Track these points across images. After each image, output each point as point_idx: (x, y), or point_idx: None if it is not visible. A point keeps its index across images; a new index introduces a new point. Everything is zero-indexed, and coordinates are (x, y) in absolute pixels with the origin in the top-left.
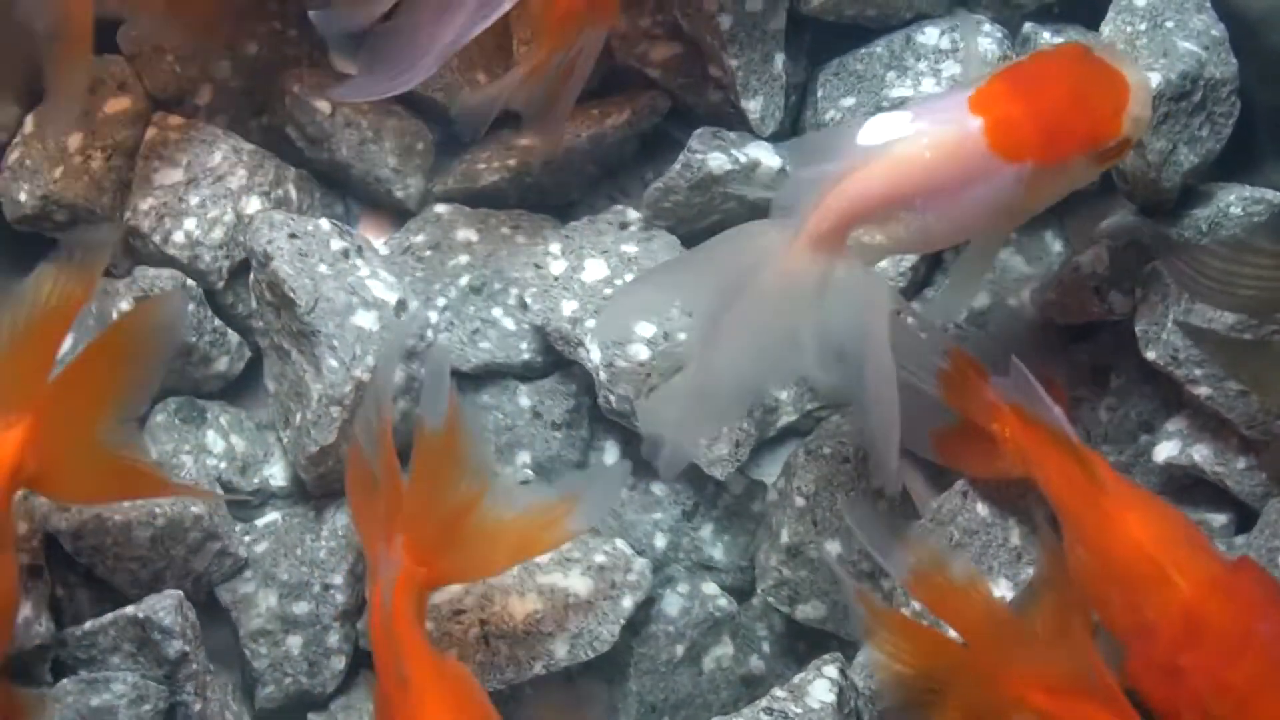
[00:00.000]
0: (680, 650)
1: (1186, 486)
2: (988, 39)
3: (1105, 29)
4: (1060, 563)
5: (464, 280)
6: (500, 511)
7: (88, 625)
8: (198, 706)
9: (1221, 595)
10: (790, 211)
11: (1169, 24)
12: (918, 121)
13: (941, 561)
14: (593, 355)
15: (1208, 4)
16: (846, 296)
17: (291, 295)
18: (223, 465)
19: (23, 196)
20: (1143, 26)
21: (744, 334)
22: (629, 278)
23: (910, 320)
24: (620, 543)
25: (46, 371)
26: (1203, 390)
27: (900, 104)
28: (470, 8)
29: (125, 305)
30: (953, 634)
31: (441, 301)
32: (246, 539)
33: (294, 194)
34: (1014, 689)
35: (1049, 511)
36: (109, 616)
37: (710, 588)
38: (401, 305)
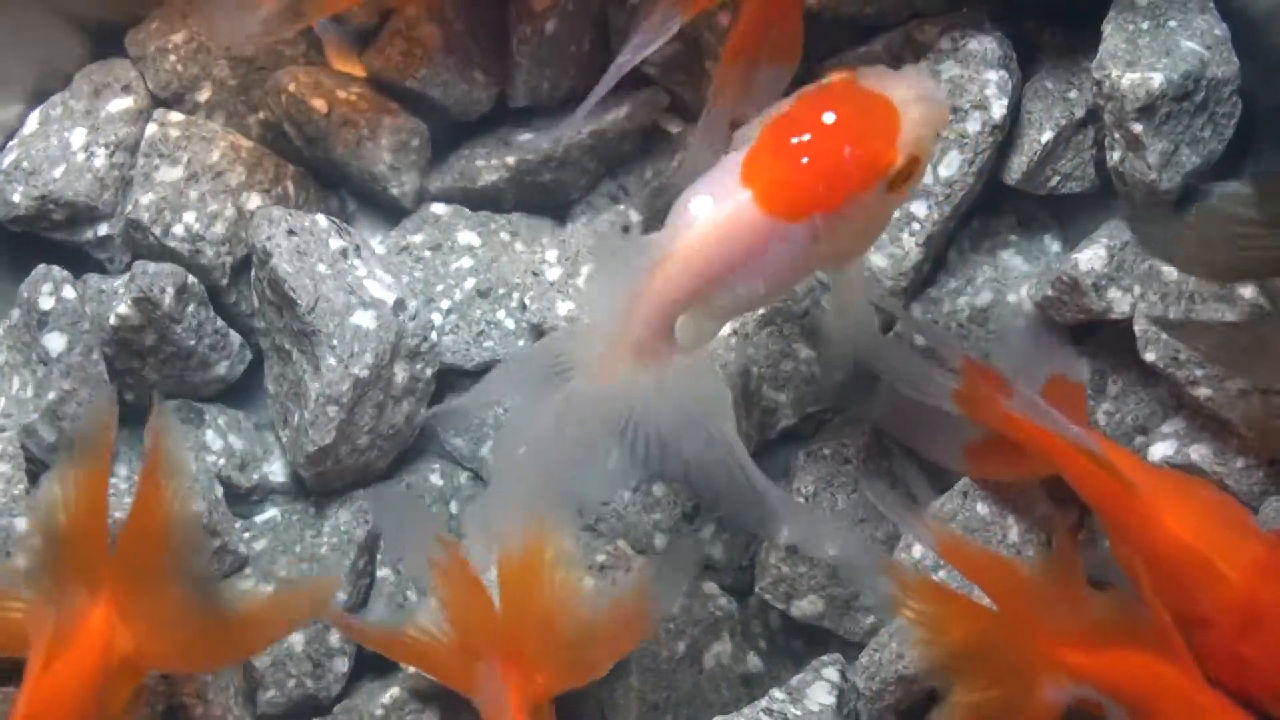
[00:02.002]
0: (681, 648)
1: None
2: (989, 39)
3: (1107, 28)
4: (1070, 542)
5: (470, 284)
6: (587, 611)
7: None
8: (199, 710)
9: (1271, 578)
10: (602, 318)
11: (1171, 23)
12: (701, 202)
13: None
14: None
15: (1210, 3)
16: (684, 393)
17: (292, 295)
18: (222, 462)
19: (17, 198)
20: (1145, 25)
21: (571, 445)
22: None
23: (918, 339)
24: (621, 543)
25: (103, 547)
26: (1203, 391)
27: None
28: (644, 28)
29: (123, 308)
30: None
31: (445, 304)
32: (246, 535)
33: (292, 191)
34: (1048, 649)
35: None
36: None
37: (710, 587)
38: (400, 305)
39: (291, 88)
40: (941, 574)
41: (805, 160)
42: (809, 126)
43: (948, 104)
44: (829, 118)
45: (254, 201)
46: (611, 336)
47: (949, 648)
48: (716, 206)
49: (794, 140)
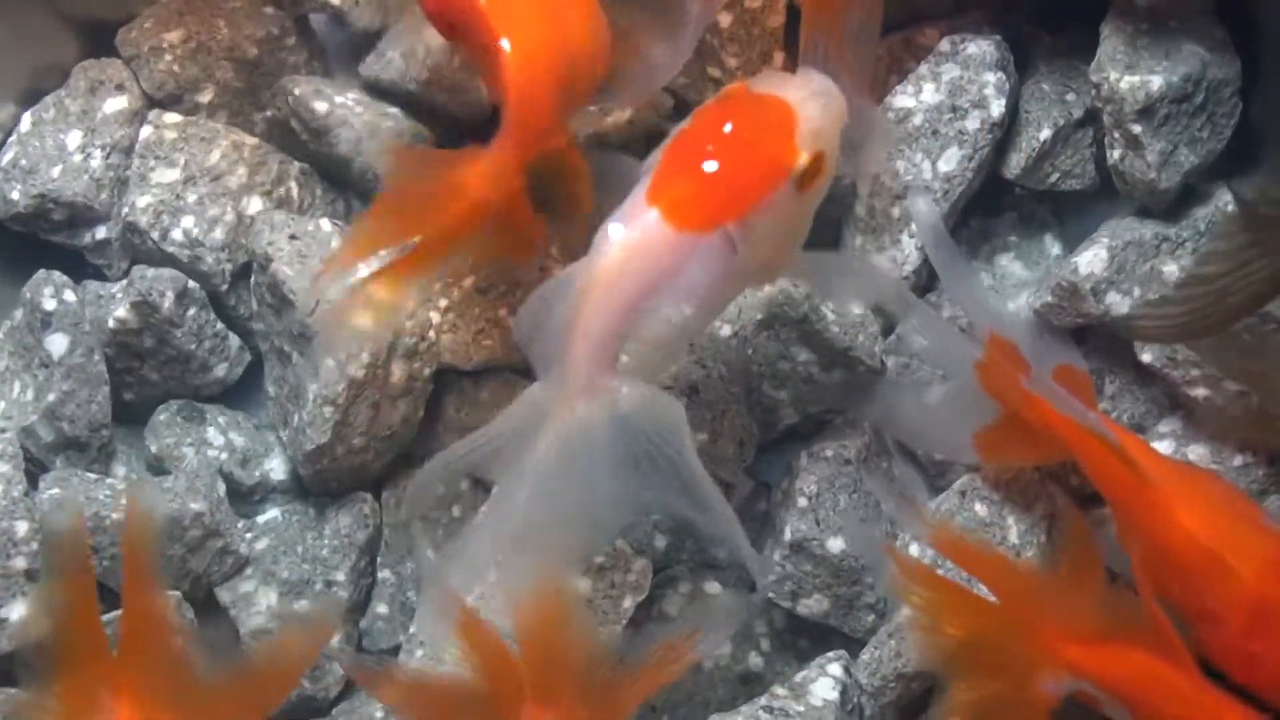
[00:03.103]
0: None
1: None
2: (987, 42)
3: (1104, 30)
4: (1082, 531)
5: (468, 281)
6: (619, 658)
7: None
8: None
9: None
10: (548, 368)
11: (1172, 23)
12: (614, 228)
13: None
14: None
15: (1211, 3)
16: (638, 422)
17: (291, 297)
18: (224, 457)
19: (16, 195)
20: (1144, 26)
21: (548, 504)
22: None
23: (943, 312)
24: (621, 543)
25: (105, 648)
26: (1200, 391)
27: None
28: None
29: (121, 311)
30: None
31: (444, 302)
32: (248, 536)
33: (295, 192)
34: (1048, 643)
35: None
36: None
37: (713, 586)
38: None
39: (298, 91)
40: (939, 573)
41: (706, 170)
42: (708, 137)
43: (842, 99)
44: (726, 127)
45: (255, 206)
46: (555, 381)
47: (950, 637)
48: (627, 231)
49: (694, 153)
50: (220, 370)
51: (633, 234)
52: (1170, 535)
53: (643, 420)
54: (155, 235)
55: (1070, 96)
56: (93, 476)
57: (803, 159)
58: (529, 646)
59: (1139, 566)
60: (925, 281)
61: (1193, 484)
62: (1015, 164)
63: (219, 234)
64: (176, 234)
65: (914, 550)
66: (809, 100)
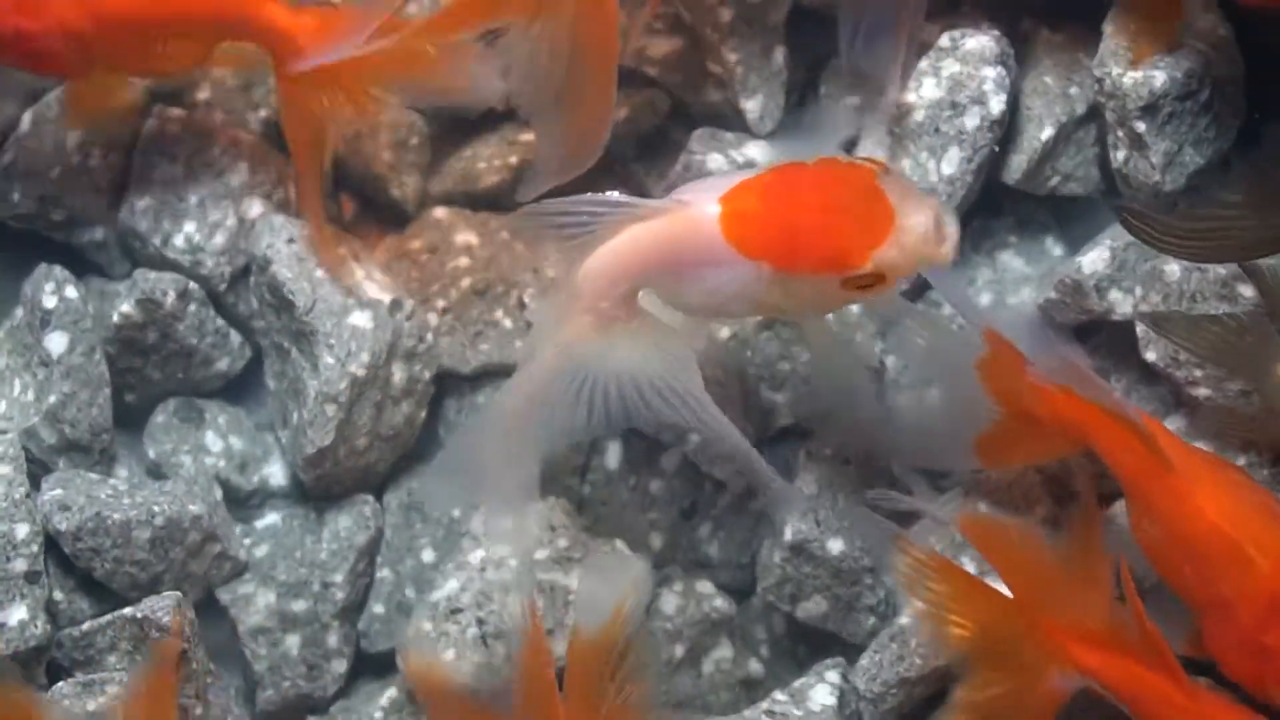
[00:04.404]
0: (680, 651)
1: None
2: (987, 37)
3: (1107, 27)
4: (1095, 528)
5: (466, 283)
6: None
7: (85, 626)
8: (198, 711)
9: None
10: (568, 283)
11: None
12: (683, 194)
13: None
14: None
15: (1214, 1)
16: (645, 350)
17: (290, 297)
18: (221, 464)
19: (16, 196)
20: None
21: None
22: None
23: (939, 311)
24: (619, 543)
25: None
26: (1202, 391)
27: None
28: None
29: (126, 306)
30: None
31: (441, 303)
32: (246, 541)
33: (294, 195)
34: (1056, 640)
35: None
36: (107, 617)
37: (705, 586)
38: (396, 305)
39: None
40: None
41: (780, 213)
42: (810, 188)
43: (948, 250)
44: (831, 194)
45: (255, 209)
46: (572, 297)
47: (961, 631)
48: (688, 207)
49: (786, 191)
50: (223, 364)
51: (687, 214)
52: (1190, 521)
53: (650, 350)
54: (156, 241)
55: (1073, 90)
56: (95, 477)
57: (866, 270)
58: (573, 689)
59: (1148, 554)
60: (924, 281)
61: (1215, 472)
62: (1016, 167)
63: (220, 239)
64: (179, 240)
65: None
66: (912, 230)
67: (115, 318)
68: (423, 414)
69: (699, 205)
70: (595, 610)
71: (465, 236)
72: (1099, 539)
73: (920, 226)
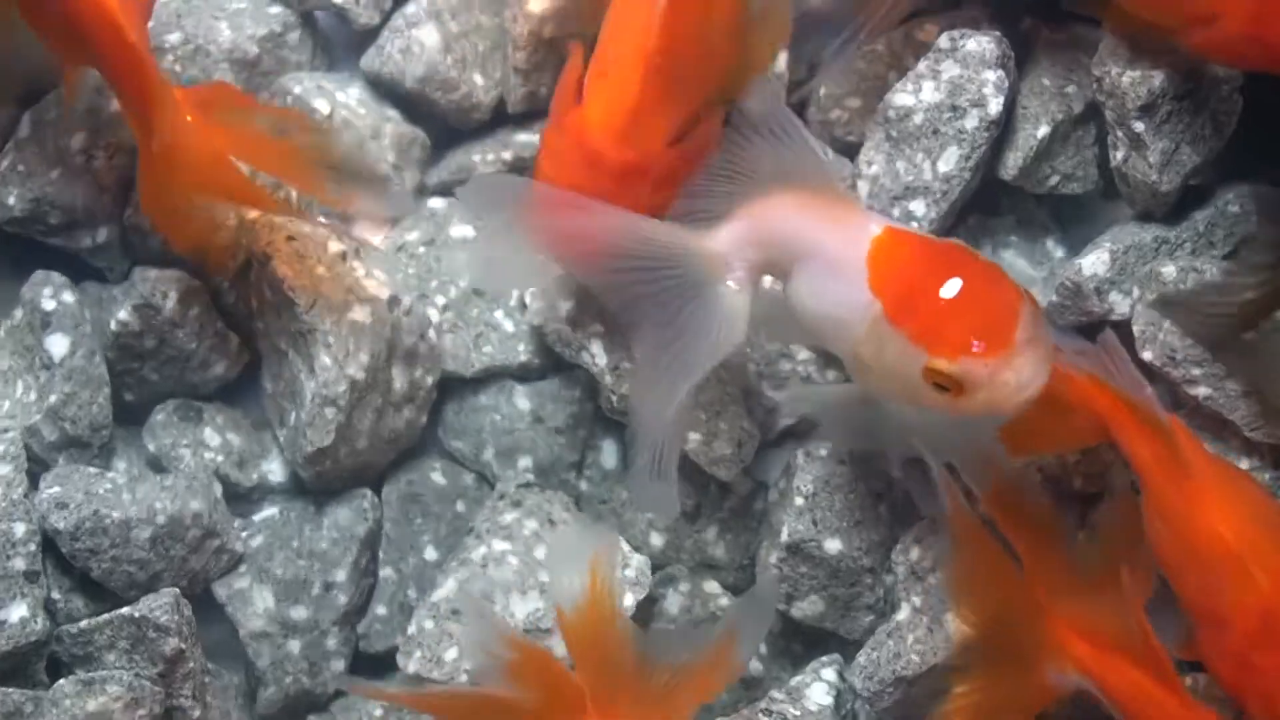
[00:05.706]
0: None
1: None
2: (987, 39)
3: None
4: (1131, 518)
5: (464, 281)
6: (669, 662)
7: (84, 623)
8: (196, 713)
9: None
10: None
11: None
12: (863, 220)
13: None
14: (598, 359)
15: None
16: (714, 303)
17: (291, 295)
18: (220, 459)
19: (12, 200)
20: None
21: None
22: None
23: None
24: (620, 541)
25: None
26: (1201, 390)
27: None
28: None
29: (123, 314)
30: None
31: (441, 300)
32: (244, 535)
33: (295, 196)
34: (1059, 632)
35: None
36: (104, 617)
37: (712, 586)
38: (394, 301)
39: (297, 90)
40: (932, 579)
41: (918, 271)
42: (961, 270)
43: (1016, 407)
44: (975, 290)
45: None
46: (724, 241)
47: (972, 597)
48: (860, 216)
49: (942, 260)
50: (220, 368)
51: (857, 219)
52: (1197, 529)
53: (721, 300)
54: (160, 237)
55: (1071, 89)
56: (93, 471)
57: (940, 369)
58: (583, 659)
59: (1155, 550)
60: None
61: (1231, 483)
62: (1012, 164)
63: (222, 236)
64: None
65: (914, 554)
66: (1010, 374)
67: (113, 325)
68: (424, 419)
69: (867, 221)
70: (569, 589)
71: (461, 230)
72: (1125, 539)
73: (1013, 382)
